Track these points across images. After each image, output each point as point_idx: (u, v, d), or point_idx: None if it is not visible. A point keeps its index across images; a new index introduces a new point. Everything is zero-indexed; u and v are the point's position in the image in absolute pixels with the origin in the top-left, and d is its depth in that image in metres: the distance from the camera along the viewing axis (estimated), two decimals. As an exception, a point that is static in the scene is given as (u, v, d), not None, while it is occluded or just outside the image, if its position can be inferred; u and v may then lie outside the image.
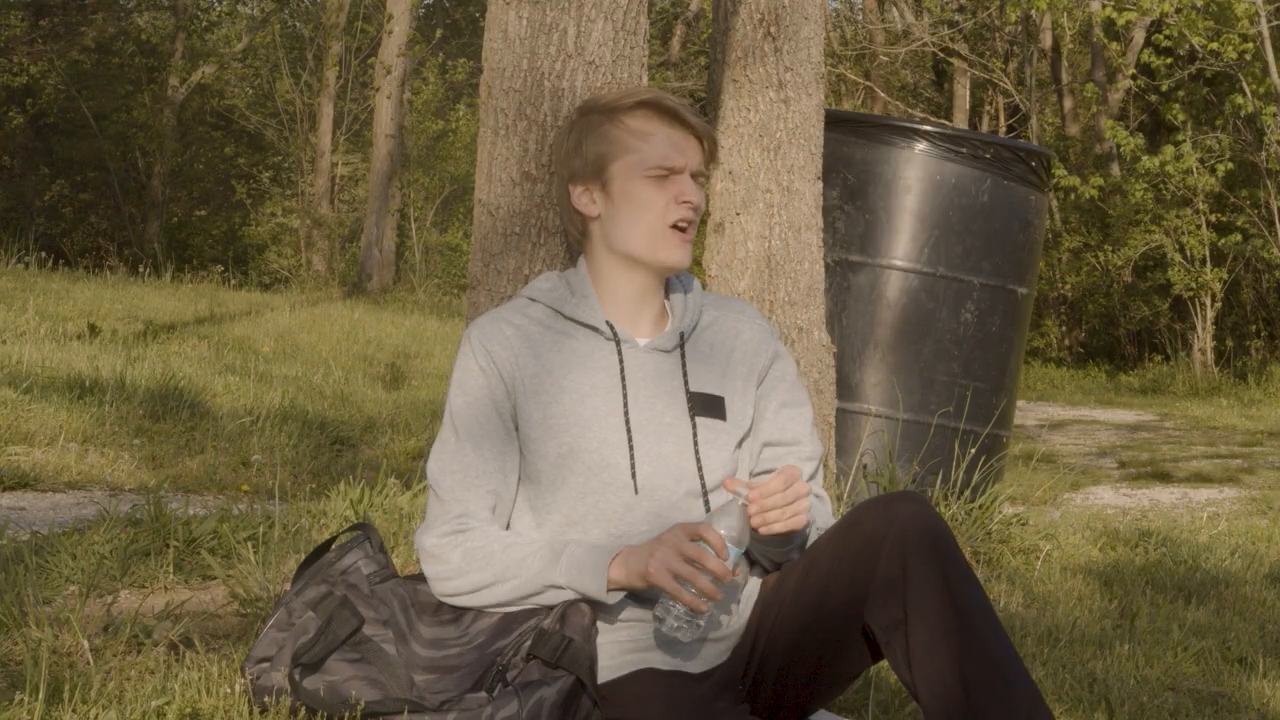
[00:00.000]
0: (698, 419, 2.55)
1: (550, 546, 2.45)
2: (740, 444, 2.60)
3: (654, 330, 2.61)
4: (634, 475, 2.50)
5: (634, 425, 2.52)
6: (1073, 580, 4.53)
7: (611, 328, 2.56)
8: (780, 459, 2.61)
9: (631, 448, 2.51)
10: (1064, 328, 20.02)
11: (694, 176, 2.56)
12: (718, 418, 2.57)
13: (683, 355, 2.59)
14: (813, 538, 2.55)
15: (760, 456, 2.62)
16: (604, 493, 2.50)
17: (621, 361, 2.55)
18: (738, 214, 4.63)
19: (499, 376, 2.53)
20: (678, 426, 2.55)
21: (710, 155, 2.60)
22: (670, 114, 2.55)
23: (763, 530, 2.40)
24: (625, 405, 2.53)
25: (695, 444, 2.54)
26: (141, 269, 16.30)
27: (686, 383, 2.57)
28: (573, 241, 2.70)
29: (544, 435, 2.51)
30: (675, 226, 2.54)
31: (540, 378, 2.53)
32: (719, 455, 2.55)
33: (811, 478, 2.65)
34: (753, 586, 2.58)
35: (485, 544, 2.46)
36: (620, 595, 2.43)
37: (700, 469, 2.53)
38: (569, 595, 2.43)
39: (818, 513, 2.60)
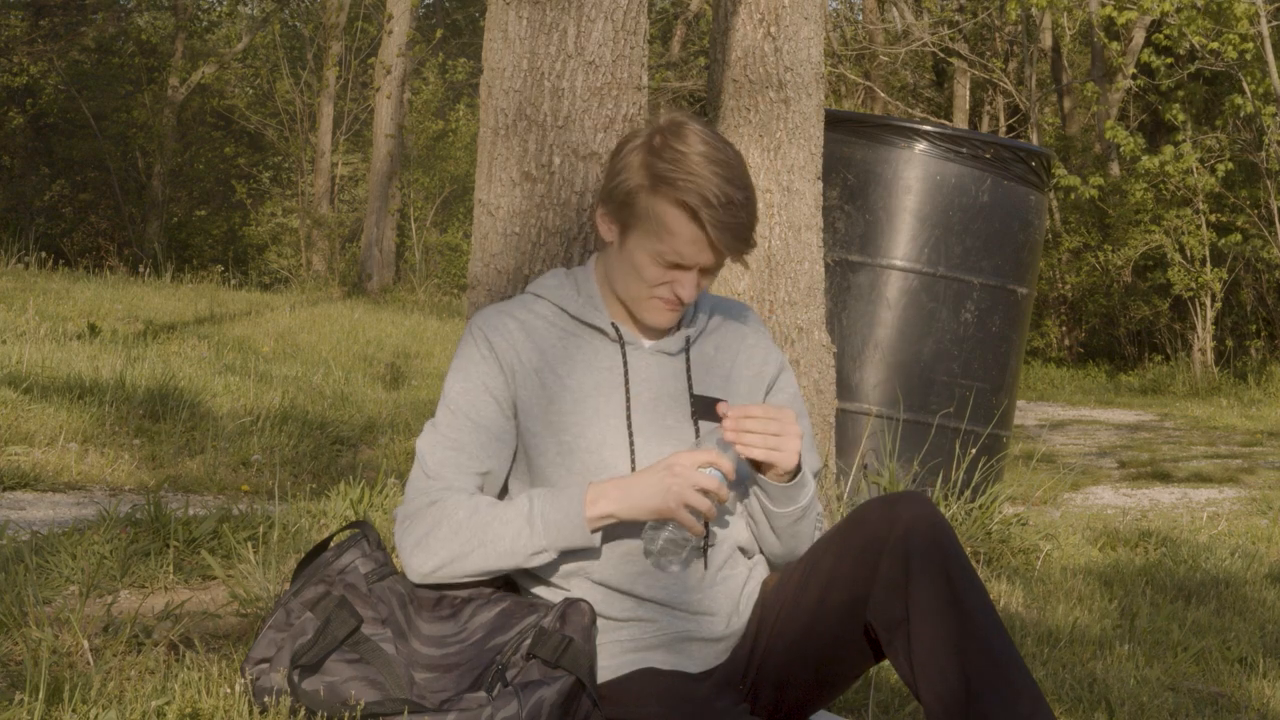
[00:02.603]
0: (700, 423, 2.55)
1: (519, 513, 2.43)
2: None
3: (658, 333, 2.61)
4: (633, 477, 2.50)
5: (635, 427, 2.52)
6: (1073, 580, 4.53)
7: (617, 329, 2.56)
8: None
9: (632, 450, 2.51)
10: (1064, 328, 20.02)
11: (703, 270, 2.51)
12: (718, 421, 2.57)
13: (687, 359, 2.59)
14: (804, 547, 2.56)
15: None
16: None
17: (625, 363, 2.55)
18: (738, 214, 4.62)
19: (499, 366, 2.53)
20: (679, 430, 2.55)
21: (736, 259, 2.51)
22: (701, 226, 2.44)
23: (739, 449, 2.41)
24: (627, 407, 2.53)
25: (697, 447, 2.54)
26: (141, 269, 16.29)
27: (690, 386, 2.57)
28: (592, 242, 2.69)
29: (544, 432, 2.51)
30: (660, 298, 2.52)
31: (543, 373, 2.53)
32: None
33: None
34: (752, 587, 2.58)
35: (450, 512, 2.45)
36: (600, 533, 2.44)
37: (700, 470, 2.53)
38: (553, 555, 2.44)
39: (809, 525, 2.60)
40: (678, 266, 2.48)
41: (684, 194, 2.43)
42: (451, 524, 2.44)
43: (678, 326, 2.61)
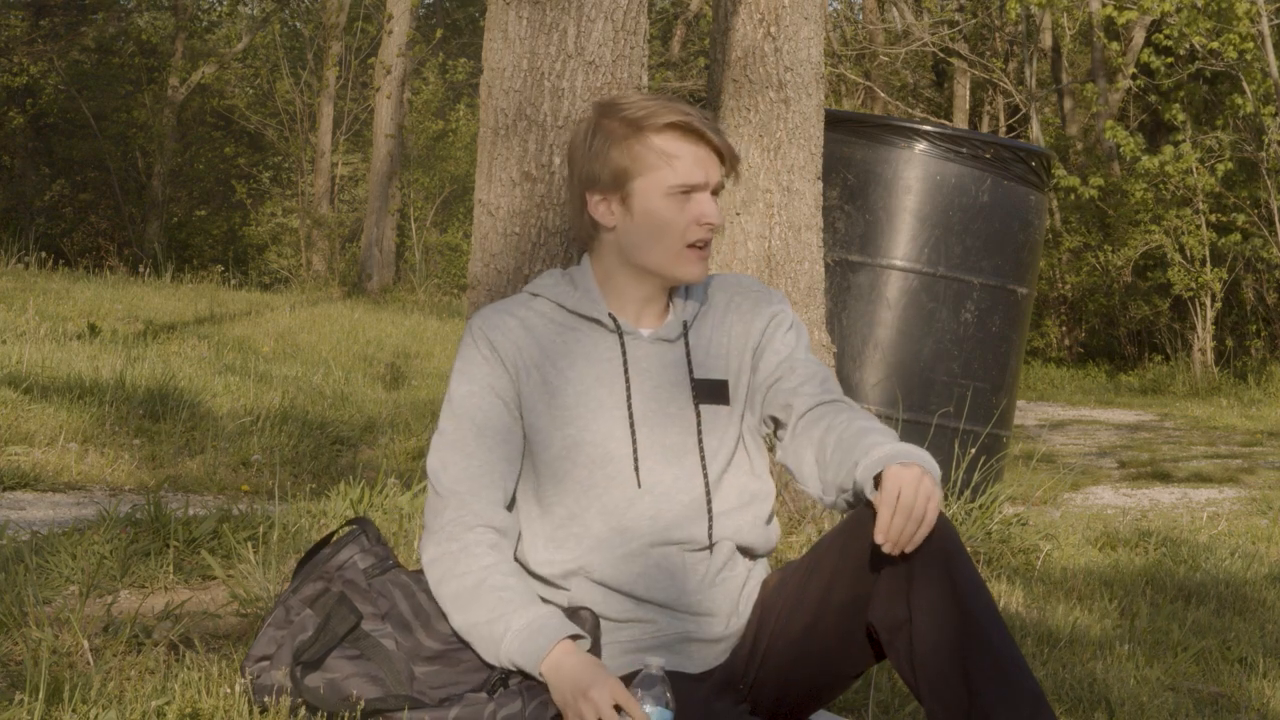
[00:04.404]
0: (702, 406, 2.55)
1: (493, 637, 2.37)
2: (743, 416, 2.59)
3: (657, 320, 2.60)
4: (636, 469, 2.50)
5: (637, 417, 2.52)
6: (1073, 580, 4.53)
7: (614, 319, 2.56)
8: (784, 386, 2.58)
9: (634, 441, 2.51)
10: (1064, 328, 20.02)
11: (714, 191, 2.54)
12: (722, 402, 2.57)
13: (686, 344, 2.58)
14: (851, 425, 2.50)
15: (767, 396, 2.60)
16: (607, 486, 2.50)
17: (624, 353, 2.55)
18: (738, 214, 4.63)
19: (502, 365, 2.53)
20: (682, 416, 2.54)
21: (730, 168, 2.56)
22: (697, 134, 2.50)
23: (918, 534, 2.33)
24: (628, 397, 2.53)
25: (699, 433, 2.54)
26: (141, 269, 16.30)
27: (691, 371, 2.57)
28: (578, 242, 2.66)
29: (549, 428, 2.51)
30: (694, 245, 2.53)
31: (544, 369, 2.53)
32: (724, 442, 2.55)
33: (827, 390, 2.58)
34: (752, 587, 2.58)
35: (460, 571, 2.43)
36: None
37: (703, 458, 2.53)
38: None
39: (851, 418, 2.53)
40: (693, 189, 2.50)
41: (666, 116, 2.49)
42: (456, 585, 2.43)
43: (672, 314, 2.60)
